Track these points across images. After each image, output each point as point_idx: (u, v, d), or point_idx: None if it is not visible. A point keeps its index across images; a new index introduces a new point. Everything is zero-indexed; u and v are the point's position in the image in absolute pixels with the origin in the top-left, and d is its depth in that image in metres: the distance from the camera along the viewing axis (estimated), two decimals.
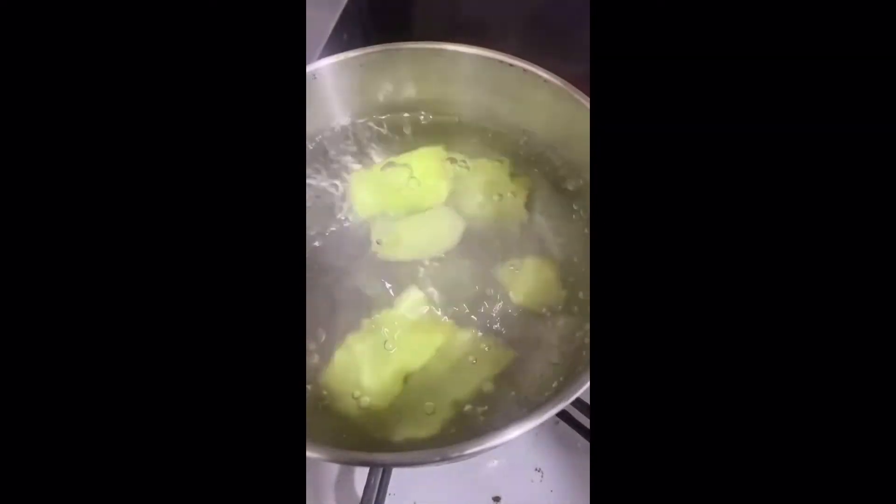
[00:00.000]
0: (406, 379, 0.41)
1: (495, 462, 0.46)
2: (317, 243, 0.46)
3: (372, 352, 0.41)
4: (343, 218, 0.48)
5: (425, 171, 0.49)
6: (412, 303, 0.43)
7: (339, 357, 0.41)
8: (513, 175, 0.49)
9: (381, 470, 0.40)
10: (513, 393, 0.40)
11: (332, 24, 0.60)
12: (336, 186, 0.49)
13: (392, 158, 0.50)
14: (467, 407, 0.39)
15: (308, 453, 0.30)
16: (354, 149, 0.51)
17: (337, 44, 0.57)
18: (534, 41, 0.54)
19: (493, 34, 0.59)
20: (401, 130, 0.52)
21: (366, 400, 0.40)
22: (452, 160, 0.50)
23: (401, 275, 0.44)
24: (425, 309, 0.43)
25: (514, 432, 0.31)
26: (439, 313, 0.43)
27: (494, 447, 0.31)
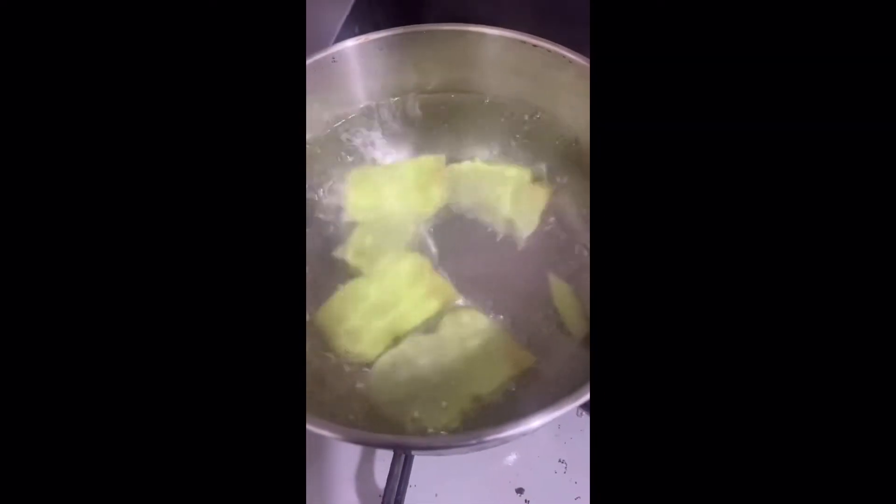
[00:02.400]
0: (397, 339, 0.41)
1: (518, 454, 0.45)
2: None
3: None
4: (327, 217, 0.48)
5: (419, 182, 0.48)
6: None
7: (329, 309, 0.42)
8: (534, 180, 0.48)
9: (403, 459, 0.39)
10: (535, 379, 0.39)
11: (344, 18, 0.60)
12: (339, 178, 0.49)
13: (392, 163, 0.49)
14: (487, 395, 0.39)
15: (328, 433, 0.30)
16: (370, 136, 0.51)
17: (348, 37, 0.57)
18: (547, 35, 0.53)
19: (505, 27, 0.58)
20: (418, 117, 0.52)
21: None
22: (458, 161, 0.49)
23: None
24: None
25: (545, 417, 0.30)
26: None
27: (525, 433, 0.30)
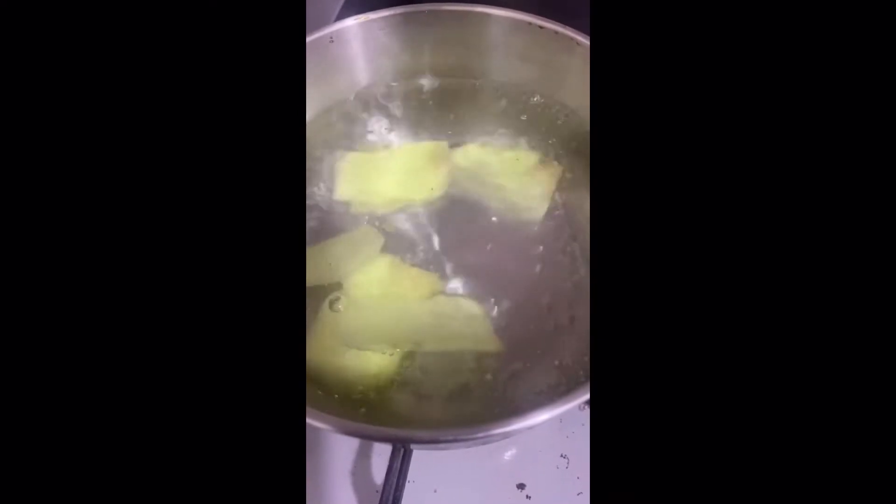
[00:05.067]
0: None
1: (518, 448, 0.44)
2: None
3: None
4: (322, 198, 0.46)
5: (419, 168, 0.47)
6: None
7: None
8: (542, 161, 0.47)
9: (401, 454, 0.38)
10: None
11: (341, 3, 0.58)
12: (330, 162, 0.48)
13: (391, 146, 0.48)
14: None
15: (325, 426, 0.29)
16: (367, 120, 0.50)
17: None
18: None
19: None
20: (419, 101, 0.51)
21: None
22: (459, 145, 0.48)
23: None
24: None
25: (552, 411, 0.29)
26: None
27: (531, 426, 0.30)
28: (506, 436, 0.30)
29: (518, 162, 0.47)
